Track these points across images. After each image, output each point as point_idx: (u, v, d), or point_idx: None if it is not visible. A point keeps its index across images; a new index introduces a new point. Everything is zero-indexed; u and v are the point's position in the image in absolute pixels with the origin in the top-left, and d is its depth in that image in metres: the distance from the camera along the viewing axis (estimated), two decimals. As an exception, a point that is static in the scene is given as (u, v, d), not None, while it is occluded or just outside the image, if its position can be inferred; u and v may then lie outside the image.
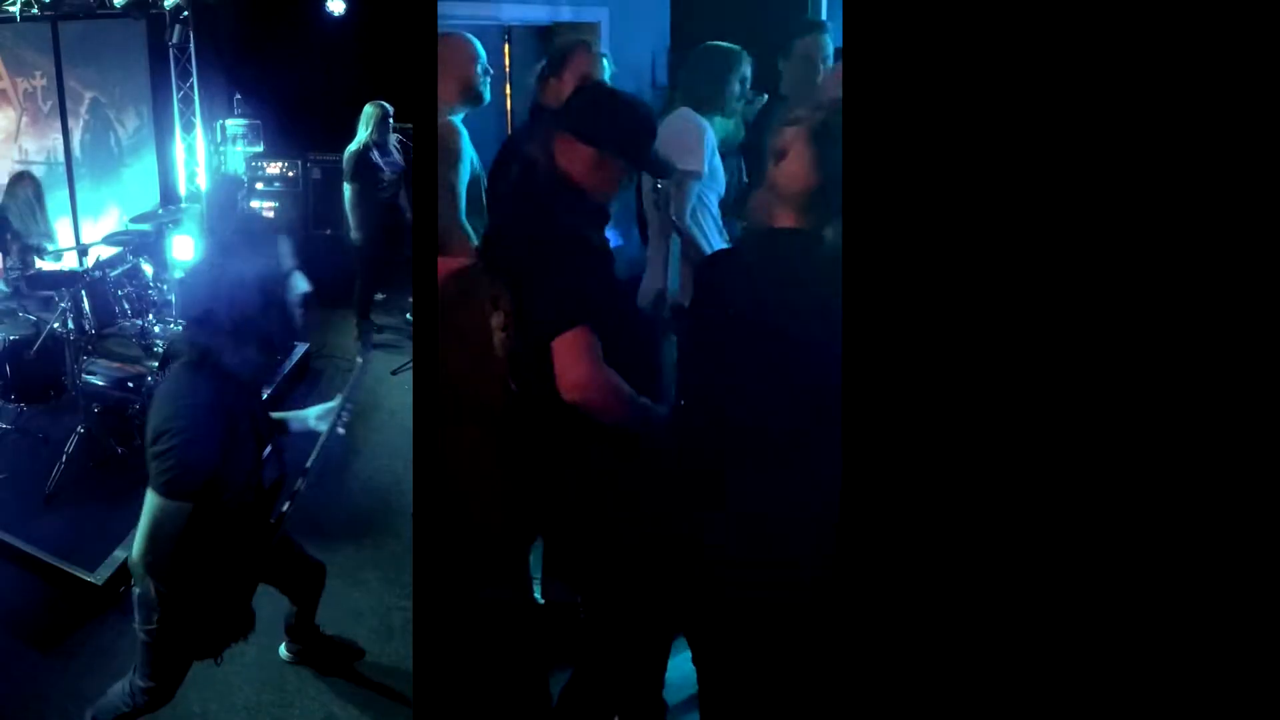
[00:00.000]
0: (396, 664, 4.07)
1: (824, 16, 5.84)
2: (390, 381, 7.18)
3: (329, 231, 8.25)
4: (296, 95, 9.36)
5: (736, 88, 4.39)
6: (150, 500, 2.77)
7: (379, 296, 8.12)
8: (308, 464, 3.33)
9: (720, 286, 2.76)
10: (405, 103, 7.46)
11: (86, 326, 6.24)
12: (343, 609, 4.41)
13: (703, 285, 2.93)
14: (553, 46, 4.26)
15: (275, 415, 3.43)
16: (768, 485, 2.54)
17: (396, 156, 7.69)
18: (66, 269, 6.67)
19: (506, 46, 7.29)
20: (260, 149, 9.66)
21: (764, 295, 2.59)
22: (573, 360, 2.74)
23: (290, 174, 9.40)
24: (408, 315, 8.17)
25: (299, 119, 9.49)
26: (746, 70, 4.38)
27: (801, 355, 2.47)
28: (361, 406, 6.82)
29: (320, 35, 9.37)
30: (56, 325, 5.57)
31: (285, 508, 3.26)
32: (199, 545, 2.84)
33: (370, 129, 7.47)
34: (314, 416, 3.51)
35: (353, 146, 7.47)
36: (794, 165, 2.59)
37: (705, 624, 2.80)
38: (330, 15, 9.32)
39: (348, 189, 7.50)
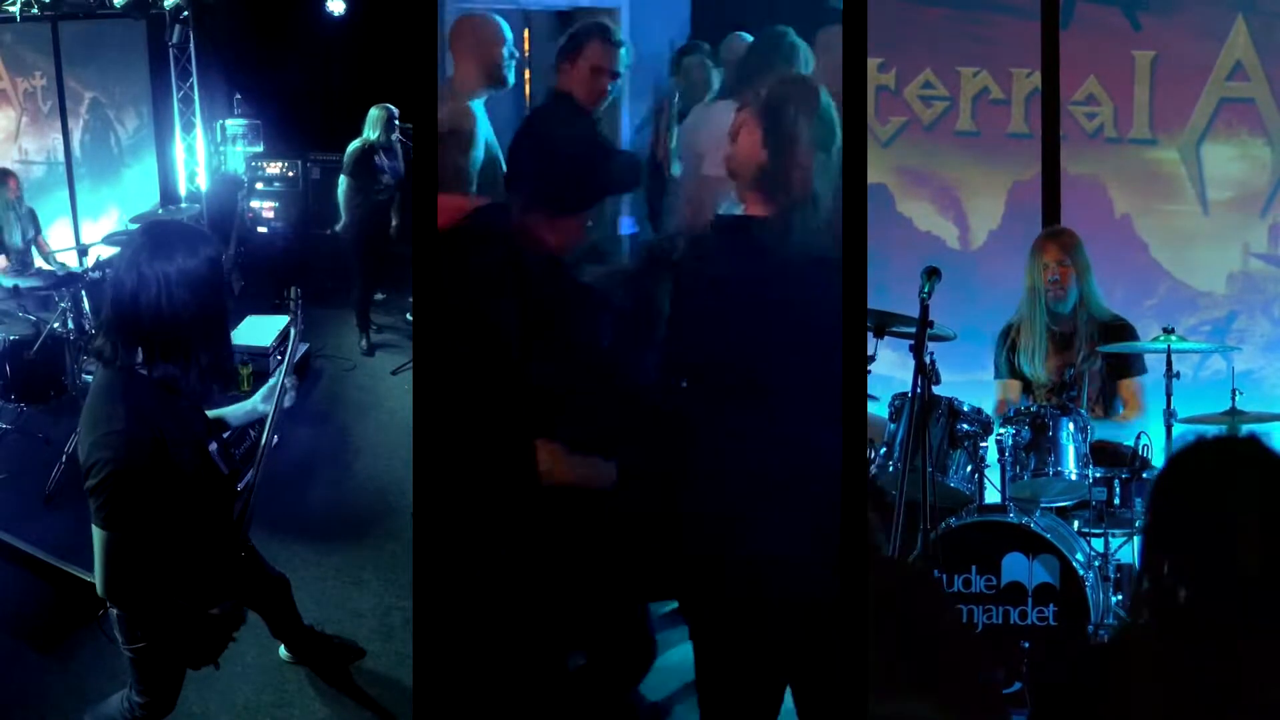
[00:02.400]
0: (396, 664, 4.08)
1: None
2: (390, 381, 7.18)
3: (329, 231, 8.26)
4: (296, 95, 9.36)
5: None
6: (95, 533, 2.65)
7: (379, 296, 8.13)
8: (260, 449, 3.21)
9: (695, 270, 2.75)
10: (405, 103, 7.46)
11: (86, 326, 6.24)
12: (343, 609, 4.41)
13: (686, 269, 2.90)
14: (569, 30, 4.22)
15: (212, 413, 3.22)
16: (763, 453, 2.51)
17: (400, 162, 7.70)
18: (67, 269, 6.67)
19: (527, 32, 7.27)
20: (260, 149, 9.66)
21: (727, 281, 2.57)
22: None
23: (290, 174, 9.41)
24: (408, 315, 8.17)
25: (299, 119, 9.49)
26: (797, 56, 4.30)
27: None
28: (361, 406, 6.83)
29: (320, 35, 9.37)
30: (56, 325, 5.57)
31: (245, 502, 3.15)
32: (159, 565, 2.72)
33: (377, 130, 7.49)
34: (260, 399, 3.34)
35: (355, 144, 7.49)
36: (745, 143, 2.58)
37: (703, 605, 2.78)
38: (330, 15, 9.32)
39: (344, 181, 7.52)
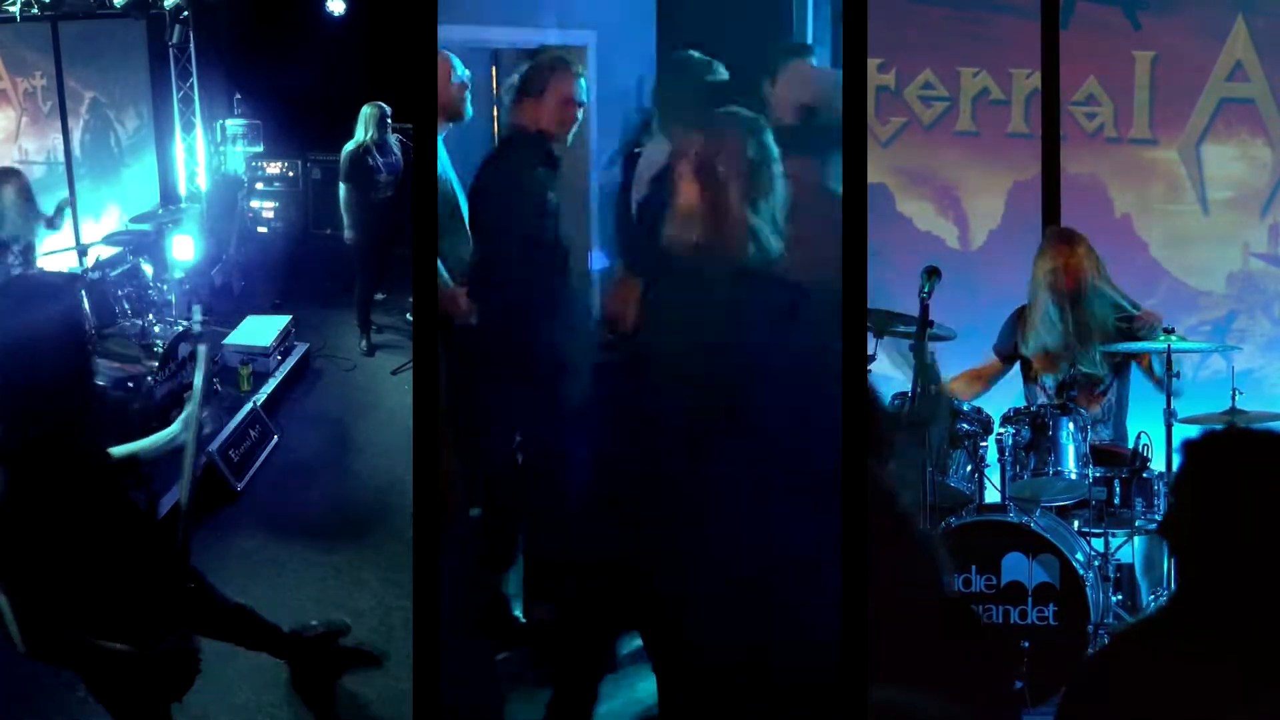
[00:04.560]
0: (396, 664, 4.07)
1: (810, 40, 5.84)
2: (390, 381, 7.18)
3: (329, 231, 8.27)
4: (296, 95, 9.35)
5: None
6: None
7: (379, 296, 8.14)
8: (184, 477, 3.18)
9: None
10: (405, 103, 7.46)
11: (86, 327, 6.24)
12: (343, 609, 4.41)
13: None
14: (531, 64, 4.22)
15: (122, 449, 3.19)
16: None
17: (397, 156, 7.70)
18: (66, 269, 6.66)
19: (494, 70, 7.30)
20: (260, 149, 9.66)
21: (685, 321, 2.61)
22: None
23: (290, 174, 9.40)
24: (408, 315, 8.17)
25: (299, 119, 9.49)
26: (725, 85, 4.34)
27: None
28: (361, 406, 6.83)
29: (320, 35, 9.37)
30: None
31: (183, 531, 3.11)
32: (76, 613, 2.67)
33: (368, 130, 7.49)
34: (179, 427, 3.28)
35: (349, 147, 7.49)
36: (683, 187, 2.62)
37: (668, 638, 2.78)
38: (330, 15, 9.32)
39: (343, 189, 7.52)
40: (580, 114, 4.12)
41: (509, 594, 4.17)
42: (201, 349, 3.44)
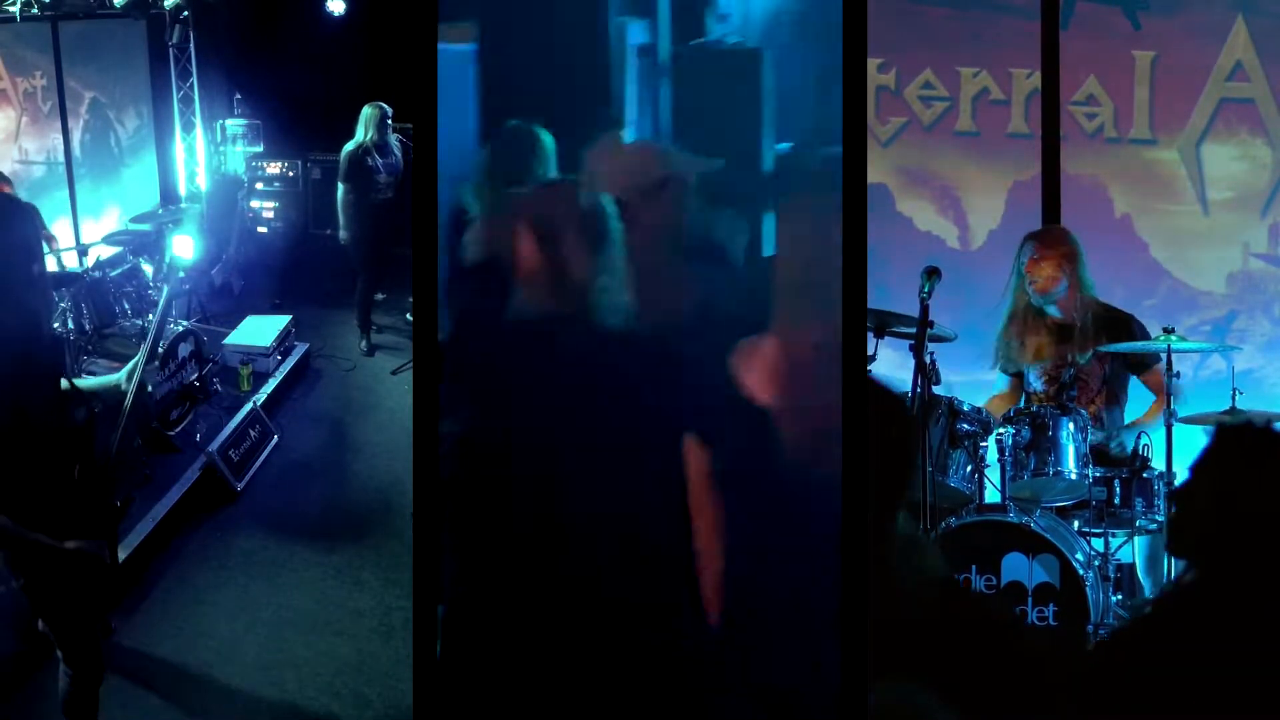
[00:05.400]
0: (396, 664, 4.08)
1: (625, 114, 5.83)
2: (390, 381, 7.18)
3: (329, 231, 8.26)
4: (296, 95, 9.35)
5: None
6: None
7: (379, 296, 8.14)
8: (120, 415, 3.51)
9: None
10: (405, 103, 7.46)
11: (86, 326, 6.24)
12: (343, 609, 4.41)
13: None
14: None
15: (85, 385, 3.58)
16: None
17: (397, 157, 7.70)
18: (66, 269, 6.67)
19: None
20: (260, 149, 9.66)
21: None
22: None
23: (290, 174, 9.40)
24: (408, 315, 8.17)
25: (299, 119, 9.49)
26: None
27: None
28: (361, 406, 6.83)
29: (320, 35, 9.37)
30: (56, 325, 5.57)
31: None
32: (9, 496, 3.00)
33: (368, 131, 7.49)
34: (123, 376, 3.60)
35: (349, 147, 7.49)
36: (522, 249, 2.67)
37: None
38: (330, 15, 9.32)
39: (340, 189, 7.52)
40: None
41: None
42: (165, 290, 3.73)
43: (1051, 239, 4.61)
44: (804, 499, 2.25)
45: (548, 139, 3.97)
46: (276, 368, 6.95)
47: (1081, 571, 4.01)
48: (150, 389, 3.74)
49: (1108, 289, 4.74)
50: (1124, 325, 4.55)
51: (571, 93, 4.29)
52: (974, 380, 4.93)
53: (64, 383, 3.41)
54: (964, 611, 2.21)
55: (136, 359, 3.63)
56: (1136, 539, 4.45)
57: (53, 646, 3.37)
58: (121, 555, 4.61)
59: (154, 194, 9.51)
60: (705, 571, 2.40)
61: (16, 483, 3.06)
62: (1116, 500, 4.26)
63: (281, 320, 7.33)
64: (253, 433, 5.96)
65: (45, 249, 3.29)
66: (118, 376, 3.64)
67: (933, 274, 4.16)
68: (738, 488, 2.39)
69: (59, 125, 8.63)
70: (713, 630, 2.43)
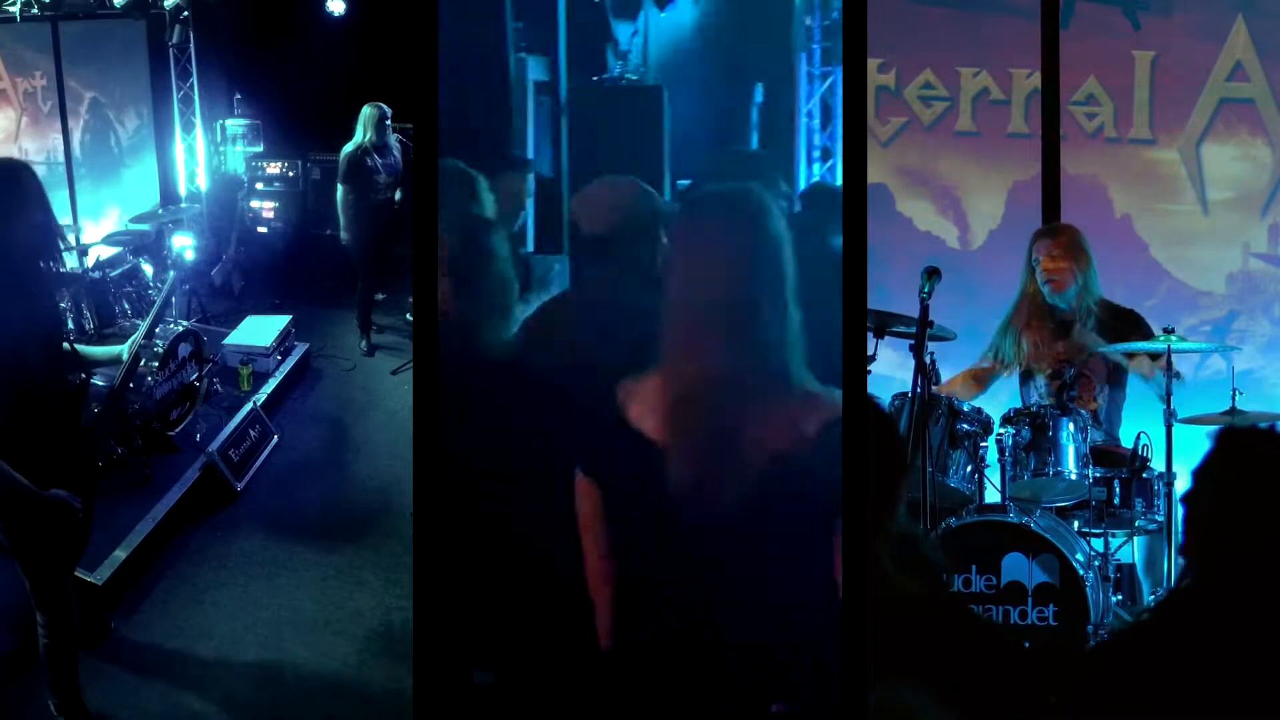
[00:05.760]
0: (396, 664, 4.08)
1: (530, 154, 5.86)
2: (390, 381, 7.18)
3: (329, 231, 8.26)
4: (296, 95, 9.36)
5: None
6: None
7: (379, 296, 8.14)
8: (113, 386, 3.80)
9: None
10: (405, 103, 7.46)
11: (86, 326, 6.24)
12: (343, 609, 4.41)
13: None
14: None
15: (86, 351, 3.80)
16: None
17: (396, 158, 7.70)
18: (67, 269, 6.67)
19: None
20: (260, 149, 9.66)
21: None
22: None
23: (290, 174, 9.39)
24: (408, 315, 8.17)
25: (299, 119, 9.49)
26: None
27: None
28: (361, 406, 6.83)
29: (320, 35, 9.36)
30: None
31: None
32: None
33: (368, 131, 7.48)
34: (125, 349, 3.83)
35: (348, 148, 7.48)
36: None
37: None
38: (330, 15, 9.31)
39: (340, 190, 7.52)
40: None
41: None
42: (172, 274, 3.99)
43: (1067, 237, 4.63)
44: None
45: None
46: (276, 368, 6.94)
47: (1081, 572, 4.01)
48: (150, 389, 3.91)
49: (1108, 289, 4.74)
50: (1134, 323, 4.57)
51: (474, 128, 4.34)
52: (974, 380, 4.93)
53: (65, 346, 3.60)
54: (950, 618, 2.21)
55: (138, 332, 3.87)
56: (1136, 539, 4.46)
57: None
58: (121, 555, 4.62)
59: (154, 194, 9.51)
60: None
61: (11, 430, 3.24)
62: (1116, 500, 4.26)
63: (281, 320, 7.33)
64: (253, 433, 5.96)
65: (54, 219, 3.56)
66: (119, 348, 3.85)
67: (933, 274, 4.16)
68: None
69: (59, 125, 8.63)
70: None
